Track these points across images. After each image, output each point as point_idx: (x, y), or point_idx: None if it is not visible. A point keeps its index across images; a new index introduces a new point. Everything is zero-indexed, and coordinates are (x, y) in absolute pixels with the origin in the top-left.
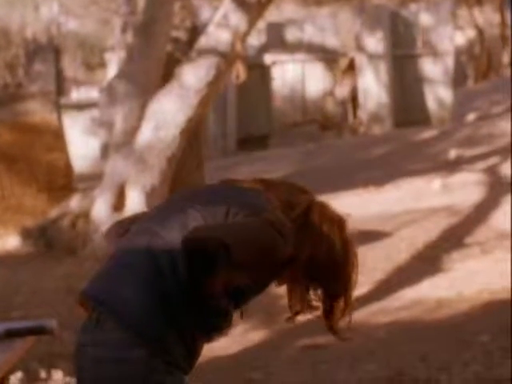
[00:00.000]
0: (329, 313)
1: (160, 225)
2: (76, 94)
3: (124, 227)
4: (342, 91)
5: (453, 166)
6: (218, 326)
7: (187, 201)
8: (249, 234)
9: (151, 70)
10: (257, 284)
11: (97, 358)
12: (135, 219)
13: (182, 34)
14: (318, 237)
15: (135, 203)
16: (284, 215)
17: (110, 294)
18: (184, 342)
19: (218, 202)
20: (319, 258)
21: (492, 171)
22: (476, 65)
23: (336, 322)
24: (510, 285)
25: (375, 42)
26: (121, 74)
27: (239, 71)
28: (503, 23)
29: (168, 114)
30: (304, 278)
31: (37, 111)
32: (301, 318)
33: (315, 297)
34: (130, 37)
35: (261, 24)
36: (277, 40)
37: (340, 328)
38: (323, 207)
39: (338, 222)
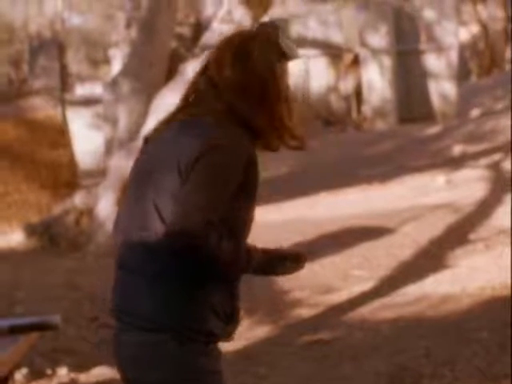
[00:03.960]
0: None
1: (139, 216)
2: (80, 90)
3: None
4: (346, 86)
5: (457, 162)
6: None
7: (148, 179)
8: (211, 185)
9: (155, 66)
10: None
11: (134, 343)
12: None
13: (186, 30)
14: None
15: None
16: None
17: (127, 308)
18: (216, 313)
19: (168, 161)
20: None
21: (496, 167)
22: (479, 60)
23: (287, 134)
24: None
25: (379, 38)
26: (125, 70)
27: None
28: (507, 18)
29: (172, 110)
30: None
31: (41, 107)
32: (305, 313)
33: None
34: (134, 33)
35: (265, 19)
36: None
37: (294, 136)
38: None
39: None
